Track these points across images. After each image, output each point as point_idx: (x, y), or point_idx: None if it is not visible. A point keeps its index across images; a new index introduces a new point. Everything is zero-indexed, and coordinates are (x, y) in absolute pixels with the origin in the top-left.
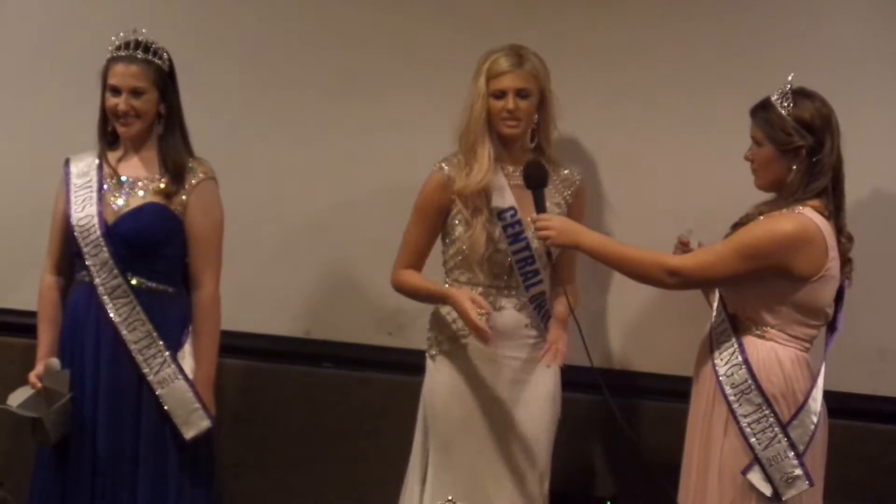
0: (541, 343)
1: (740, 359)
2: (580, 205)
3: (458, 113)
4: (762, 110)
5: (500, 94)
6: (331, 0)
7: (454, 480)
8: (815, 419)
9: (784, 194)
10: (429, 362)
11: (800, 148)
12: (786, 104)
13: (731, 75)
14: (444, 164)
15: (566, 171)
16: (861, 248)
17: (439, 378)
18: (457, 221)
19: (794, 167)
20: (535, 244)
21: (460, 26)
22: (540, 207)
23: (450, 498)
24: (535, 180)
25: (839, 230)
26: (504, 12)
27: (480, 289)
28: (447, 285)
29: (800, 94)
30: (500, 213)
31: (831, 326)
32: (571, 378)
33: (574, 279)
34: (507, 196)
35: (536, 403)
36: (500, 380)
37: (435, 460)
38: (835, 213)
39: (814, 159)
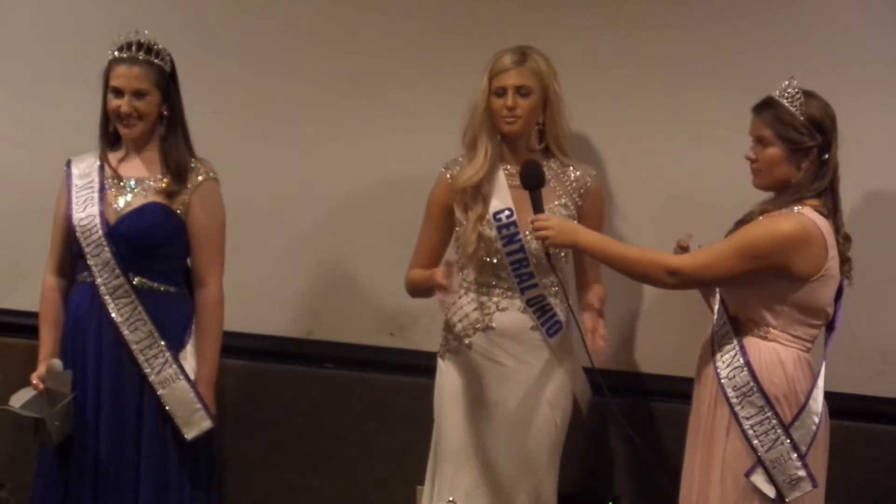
0: (545, 346)
1: (742, 361)
2: (594, 208)
3: (463, 113)
4: (770, 108)
5: (502, 92)
6: (333, 0)
7: (457, 481)
8: (816, 420)
9: (789, 192)
10: (439, 362)
11: (811, 148)
12: (797, 103)
13: (733, 76)
14: (450, 166)
15: (578, 172)
16: (862, 249)
17: (446, 378)
18: (457, 222)
19: (804, 167)
20: (533, 246)
21: (463, 27)
22: (537, 208)
23: (450, 499)
24: (532, 181)
25: (836, 230)
26: (508, 13)
27: (483, 289)
28: (461, 288)
29: (806, 94)
30: (496, 214)
31: (830, 326)
32: None
33: (600, 279)
34: (504, 197)
35: (540, 408)
36: (506, 382)
37: (441, 460)
38: (832, 212)
39: (822, 158)
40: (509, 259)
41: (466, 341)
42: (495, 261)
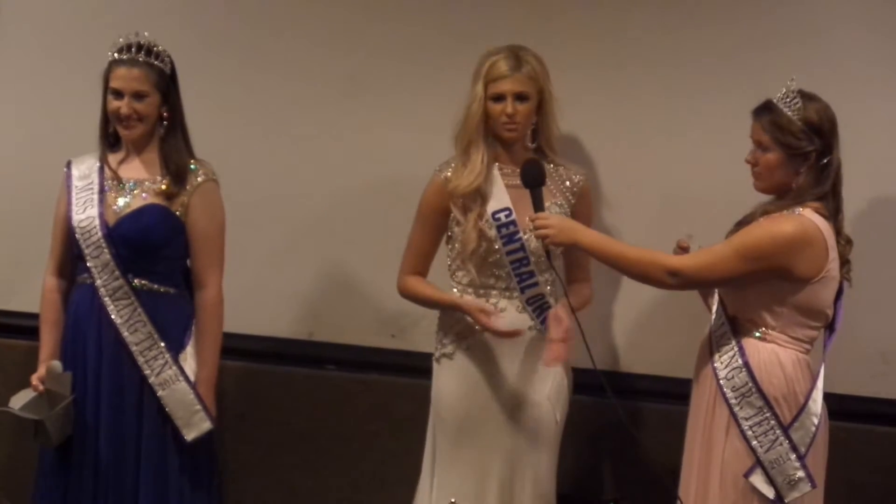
0: (543, 344)
1: (740, 362)
2: (586, 206)
3: (456, 116)
4: (768, 112)
5: (499, 98)
6: (333, 1)
7: (458, 482)
8: (815, 421)
9: (790, 196)
10: (434, 364)
11: (810, 153)
12: (795, 106)
13: (733, 77)
14: (443, 168)
15: (569, 172)
16: (863, 250)
17: (444, 380)
18: (455, 222)
19: (802, 171)
20: (532, 244)
21: (462, 27)
22: (538, 206)
23: (453, 501)
24: (533, 179)
25: (838, 232)
26: (505, 14)
27: (481, 290)
28: (455, 290)
29: (805, 97)
30: (495, 214)
31: (830, 327)
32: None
33: (589, 278)
34: (502, 197)
35: (541, 405)
36: (504, 382)
37: (440, 461)
38: (834, 214)
39: (822, 162)
40: (509, 258)
41: (465, 345)
42: (494, 260)
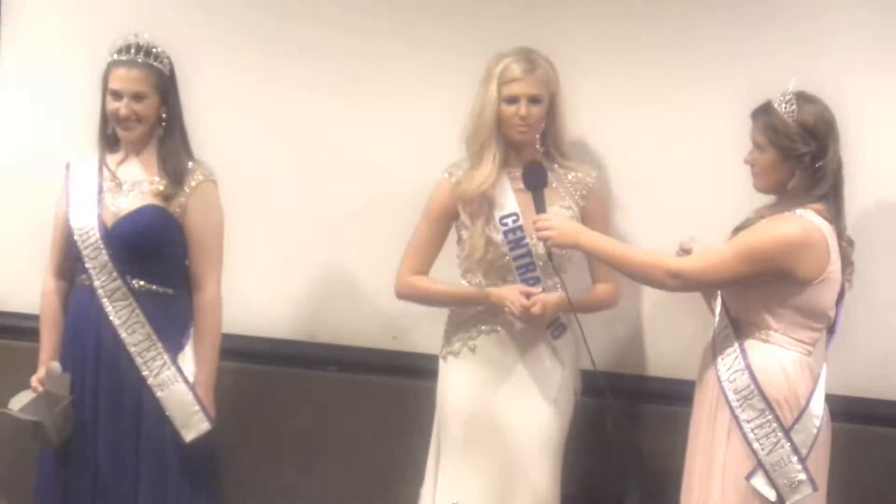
0: (549, 348)
1: (742, 364)
2: (597, 207)
3: (466, 116)
4: (764, 115)
5: (512, 100)
6: (336, 2)
7: (461, 483)
8: (817, 423)
9: (785, 199)
10: (441, 362)
11: (804, 154)
12: (790, 109)
13: (737, 77)
14: (452, 170)
15: (578, 174)
16: (865, 252)
17: (449, 380)
18: (463, 227)
19: (797, 173)
20: (539, 249)
21: (466, 28)
22: (540, 208)
23: (455, 502)
24: (535, 181)
25: (839, 234)
26: (510, 15)
27: None
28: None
29: (802, 99)
30: (502, 219)
31: (830, 329)
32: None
33: (610, 279)
34: (509, 201)
35: (546, 407)
36: (510, 383)
37: (444, 461)
38: (836, 216)
39: (817, 165)
40: (516, 263)
41: (471, 344)
42: (502, 265)
